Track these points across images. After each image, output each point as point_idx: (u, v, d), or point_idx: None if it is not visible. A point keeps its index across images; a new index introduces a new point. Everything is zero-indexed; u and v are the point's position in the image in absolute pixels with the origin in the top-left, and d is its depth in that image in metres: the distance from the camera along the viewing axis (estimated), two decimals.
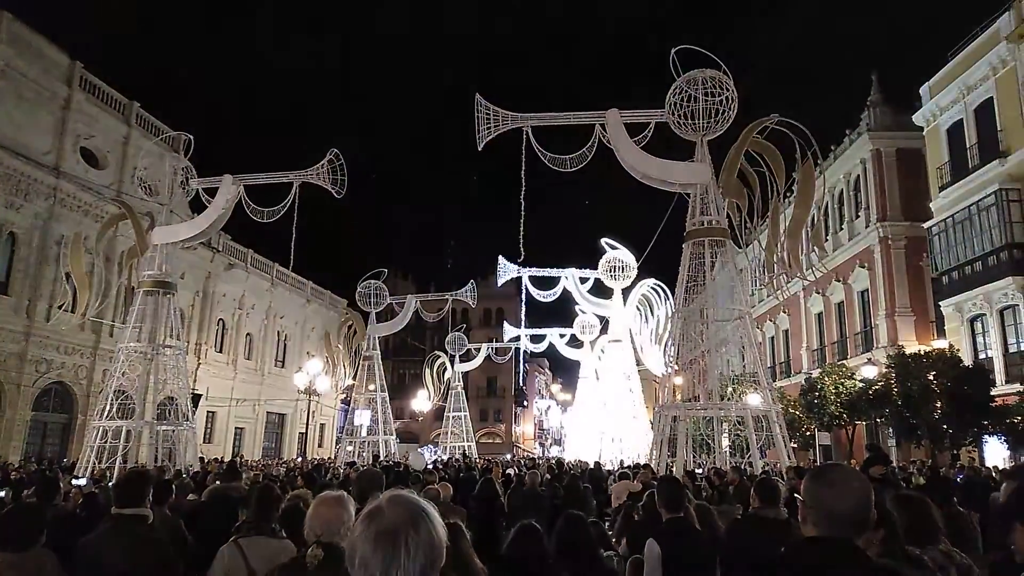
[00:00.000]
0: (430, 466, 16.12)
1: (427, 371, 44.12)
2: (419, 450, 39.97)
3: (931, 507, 3.75)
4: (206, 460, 20.09)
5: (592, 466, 18.48)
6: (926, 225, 25.10)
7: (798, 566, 2.16)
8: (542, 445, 69.70)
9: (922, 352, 21.91)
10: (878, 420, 23.14)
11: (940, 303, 24.75)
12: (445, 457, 33.10)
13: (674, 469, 14.59)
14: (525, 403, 71.41)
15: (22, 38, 23.79)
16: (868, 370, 23.33)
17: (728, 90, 15.38)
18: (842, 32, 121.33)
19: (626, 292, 31.16)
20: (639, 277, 30.85)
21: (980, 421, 19.12)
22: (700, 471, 15.01)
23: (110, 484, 9.03)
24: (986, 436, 19.85)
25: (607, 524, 8.52)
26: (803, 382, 27.07)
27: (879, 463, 7.84)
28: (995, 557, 3.49)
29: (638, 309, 31.00)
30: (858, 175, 30.25)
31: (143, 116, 29.15)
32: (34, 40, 24.35)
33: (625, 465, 19.42)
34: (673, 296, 17.85)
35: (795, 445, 21.87)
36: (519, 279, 33.71)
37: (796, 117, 15.22)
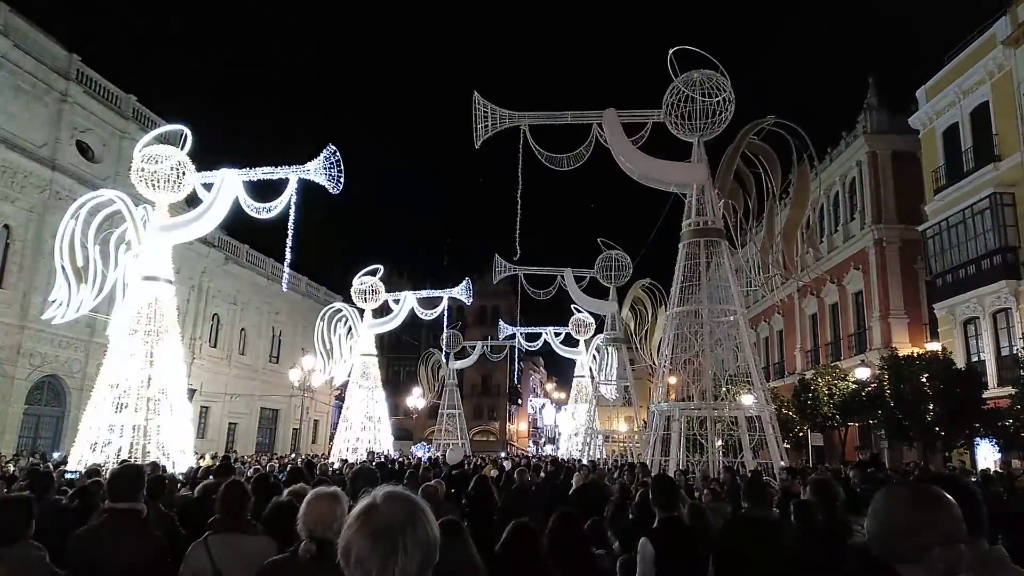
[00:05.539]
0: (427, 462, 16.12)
1: (422, 368, 44.17)
2: (413, 447, 40.02)
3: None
4: (199, 456, 20.04)
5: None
6: (920, 228, 25.19)
7: None
8: (536, 443, 69.79)
9: (915, 354, 22.01)
10: (871, 422, 23.24)
11: (934, 306, 24.86)
12: (439, 455, 33.09)
13: (668, 468, 14.63)
14: (519, 401, 71.43)
15: (19, 30, 23.65)
16: (861, 372, 23.44)
17: (725, 91, 15.41)
18: (839, 35, 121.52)
19: (622, 291, 31.22)
20: (635, 276, 30.95)
21: (972, 424, 19.22)
22: (711, 477, 15.05)
23: (104, 478, 9.00)
24: (978, 439, 19.95)
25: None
26: (796, 383, 27.16)
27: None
28: None
29: (632, 309, 31.07)
30: (853, 177, 30.35)
31: (140, 109, 29.05)
32: (31, 32, 24.21)
33: (620, 464, 19.45)
34: (668, 296, 17.87)
35: (787, 446, 21.94)
36: (515, 277, 33.72)
37: (792, 119, 15.29)
